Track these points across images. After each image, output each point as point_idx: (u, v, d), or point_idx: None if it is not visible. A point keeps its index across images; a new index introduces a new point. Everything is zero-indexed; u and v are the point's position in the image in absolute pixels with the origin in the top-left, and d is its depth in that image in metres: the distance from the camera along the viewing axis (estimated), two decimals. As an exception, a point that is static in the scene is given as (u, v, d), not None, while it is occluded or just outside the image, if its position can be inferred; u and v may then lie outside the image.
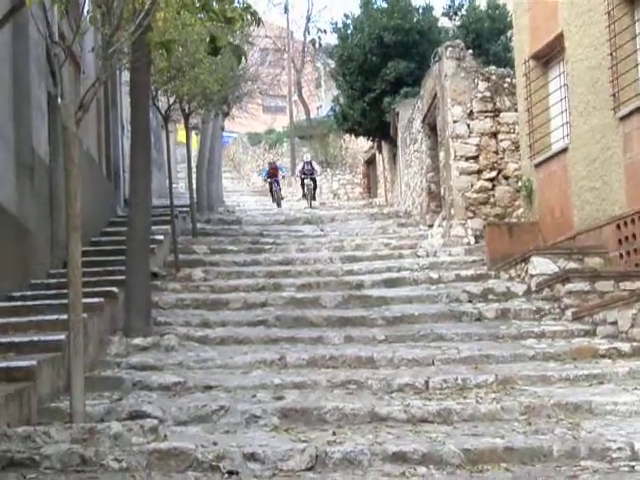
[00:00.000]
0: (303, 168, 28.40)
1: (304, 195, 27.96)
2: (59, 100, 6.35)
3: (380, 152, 28.24)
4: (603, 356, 8.79)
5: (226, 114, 23.77)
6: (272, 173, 28.69)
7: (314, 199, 27.33)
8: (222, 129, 25.00)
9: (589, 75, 11.66)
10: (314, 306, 11.11)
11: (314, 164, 29.07)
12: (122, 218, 14.93)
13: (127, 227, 10.14)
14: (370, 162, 32.78)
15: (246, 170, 42.20)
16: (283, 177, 29.77)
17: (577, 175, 12.03)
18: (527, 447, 6.01)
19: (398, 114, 21.87)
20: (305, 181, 27.60)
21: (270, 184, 28.49)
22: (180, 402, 7.08)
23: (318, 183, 29.69)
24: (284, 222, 18.99)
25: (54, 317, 8.10)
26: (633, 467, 5.76)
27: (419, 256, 14.04)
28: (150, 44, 7.12)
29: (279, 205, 27.11)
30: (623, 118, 10.80)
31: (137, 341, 9.22)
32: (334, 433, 6.38)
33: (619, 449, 5.97)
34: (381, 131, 24.31)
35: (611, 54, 11.05)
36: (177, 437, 6.14)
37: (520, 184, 14.26)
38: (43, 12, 6.28)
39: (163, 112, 14.03)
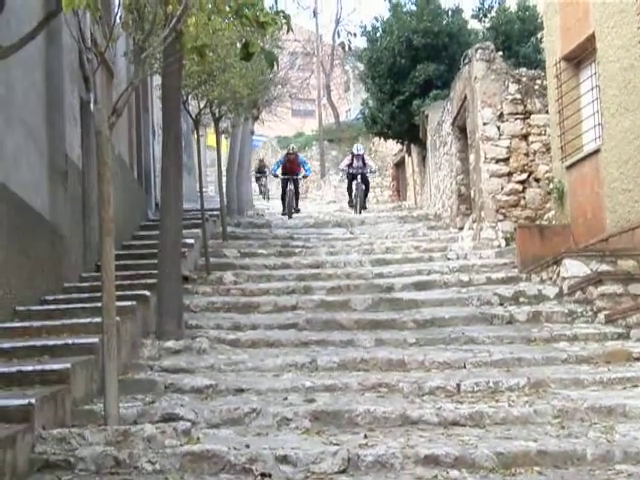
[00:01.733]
0: (351, 163, 22.41)
1: (351, 201, 22.37)
2: (92, 105, 6.42)
3: (409, 155, 28.17)
4: (637, 359, 8.72)
5: (256, 118, 23.84)
6: (288, 167, 21.87)
7: (364, 207, 22.13)
8: (252, 133, 25.08)
9: (621, 76, 11.57)
10: (344, 309, 11.11)
11: (367, 159, 23.16)
12: (153, 222, 15.04)
13: (158, 231, 10.20)
14: (399, 165, 32.73)
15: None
16: (305, 177, 22.80)
17: (609, 177, 11.94)
18: (560, 451, 5.99)
19: (427, 117, 21.82)
20: (354, 182, 22.07)
21: (284, 183, 21.46)
22: (212, 405, 7.12)
23: (371, 184, 24.18)
24: (314, 225, 19.01)
25: (87, 320, 8.18)
26: (668, 471, 5.71)
27: (449, 259, 13.99)
28: (183, 49, 7.18)
29: (290, 216, 20.71)
30: (656, 119, 10.72)
31: (169, 344, 9.28)
32: (365, 436, 6.39)
33: (653, 453, 5.93)
34: (410, 134, 24.26)
35: (643, 55, 10.96)
36: (210, 440, 6.17)
37: (551, 186, 14.17)
38: (76, 18, 6.34)
39: (194, 116, 14.11)
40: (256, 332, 10.11)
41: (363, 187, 22.29)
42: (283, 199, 21.52)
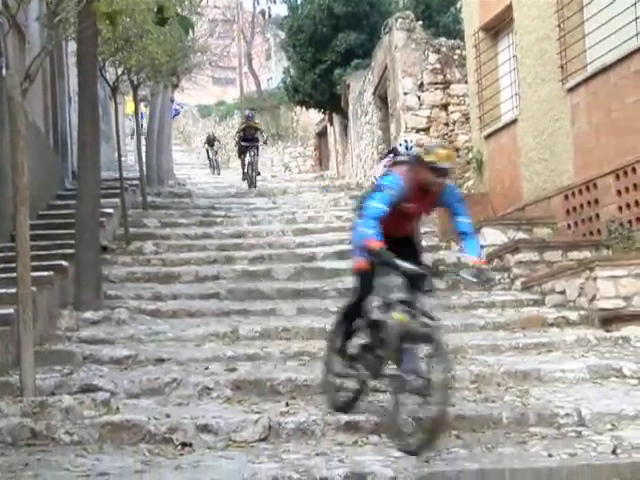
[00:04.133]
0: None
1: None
2: (3, 70, 6.23)
3: (331, 124, 28.18)
4: (551, 325, 8.93)
5: (175, 86, 23.49)
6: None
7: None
8: (172, 101, 24.72)
9: (538, 46, 11.74)
10: (266, 279, 11.09)
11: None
12: (70, 191, 14.71)
13: (76, 200, 10.00)
14: (321, 134, 32.73)
15: (196, 143, 41.86)
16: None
17: (526, 146, 12.14)
18: (477, 414, 6.14)
19: (349, 86, 21.83)
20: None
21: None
22: (132, 375, 7.05)
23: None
24: (235, 195, 18.88)
25: (2, 291, 7.98)
26: (580, 433, 5.90)
27: (371, 228, 14.05)
28: (96, 14, 6.98)
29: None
30: (571, 90, 10.91)
31: (88, 315, 9.14)
32: (287, 404, 6.42)
33: (566, 415, 6.11)
34: (332, 103, 24.25)
35: (559, 25, 11.13)
36: (129, 410, 6.12)
37: (470, 156, 14.36)
38: (-14, -20, 6.13)
39: (111, 83, 13.81)
40: (177, 302, 10.02)
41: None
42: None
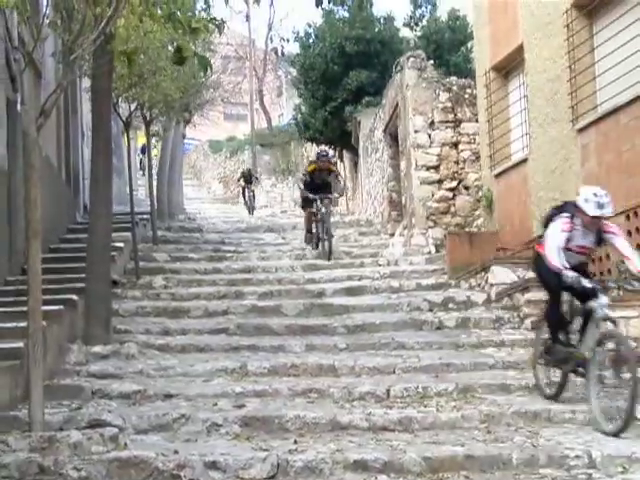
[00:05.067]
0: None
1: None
2: (19, 106, 6.30)
3: (341, 161, 28.30)
4: (561, 365, 8.87)
5: (187, 121, 23.68)
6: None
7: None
8: (183, 136, 24.89)
9: (548, 87, 11.81)
10: (275, 314, 11.09)
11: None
12: (82, 225, 14.79)
13: (87, 234, 10.05)
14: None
15: (207, 178, 42.06)
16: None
17: (536, 185, 12.17)
18: (487, 455, 6.09)
19: (360, 123, 21.95)
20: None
21: (309, 202, 14.77)
22: (140, 410, 7.04)
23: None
24: (245, 230, 18.95)
25: (13, 325, 8.00)
26: (590, 475, 5.85)
27: (380, 265, 14.08)
28: (113, 52, 7.08)
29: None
30: (581, 130, 10.95)
31: (97, 349, 9.14)
32: (295, 442, 6.39)
33: (577, 457, 6.07)
34: (342, 140, 24.37)
35: (570, 67, 11.20)
36: (137, 446, 6.10)
37: (480, 194, 14.39)
38: (2, 17, 6.21)
39: (124, 119, 13.93)
40: (186, 337, 10.03)
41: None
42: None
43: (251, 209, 27.49)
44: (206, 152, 43.26)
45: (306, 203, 15.00)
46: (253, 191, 28.36)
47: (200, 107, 23.88)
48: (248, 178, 28.97)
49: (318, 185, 14.75)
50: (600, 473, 5.85)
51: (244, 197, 28.61)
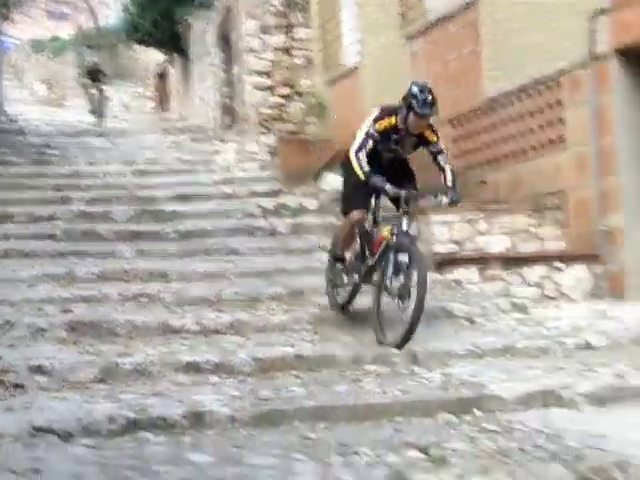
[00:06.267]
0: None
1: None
2: None
3: (173, 65, 27.58)
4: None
5: (6, 17, 22.28)
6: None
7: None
8: (1, 33, 23.42)
9: (380, -7, 11.86)
10: (104, 220, 10.80)
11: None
12: None
13: None
14: (163, 75, 31.97)
15: (29, 79, 40.05)
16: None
17: (368, 93, 12.29)
18: (315, 354, 6.27)
19: (191, 26, 21.37)
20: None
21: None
22: (-40, 318, 6.75)
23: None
24: (72, 134, 18.22)
25: None
26: (413, 370, 6.11)
27: (213, 171, 13.96)
28: None
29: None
30: (410, 37, 11.09)
31: None
32: (125, 345, 6.32)
33: (398, 354, 6.32)
34: (174, 43, 23.65)
35: (401, -27, 11.27)
36: (-43, 353, 5.87)
37: (314, 101, 14.41)
38: None
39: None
40: (9, 242, 9.63)
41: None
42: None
43: (101, 116, 21.41)
44: (28, 52, 41.06)
45: (356, 199, 7.05)
46: (102, 90, 22.29)
47: (20, 2, 22.53)
48: (94, 75, 22.99)
49: (386, 165, 6.99)
50: (421, 368, 6.13)
51: (90, 99, 22.55)
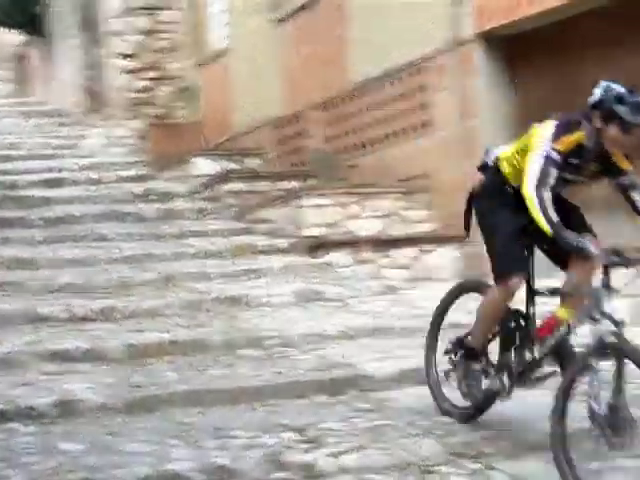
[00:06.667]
0: None
1: None
2: None
3: (33, 47, 26.67)
4: (262, 252, 9.13)
5: None
6: None
7: None
8: None
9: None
10: (-39, 208, 10.37)
11: None
12: None
13: None
14: (22, 58, 30.86)
15: None
16: None
17: (238, 76, 12.24)
18: (189, 339, 6.23)
19: (52, 6, 20.68)
20: None
21: None
22: None
23: None
24: None
25: None
26: (286, 353, 6.16)
27: (80, 156, 13.58)
28: None
29: None
30: (280, 21, 11.10)
31: None
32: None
33: (271, 337, 6.36)
34: (34, 24, 22.85)
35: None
36: None
37: (182, 84, 14.22)
38: None
39: None
40: None
41: None
42: None
43: None
44: None
45: (516, 257, 4.58)
46: None
47: None
48: None
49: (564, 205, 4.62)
50: (295, 350, 6.18)
51: None
